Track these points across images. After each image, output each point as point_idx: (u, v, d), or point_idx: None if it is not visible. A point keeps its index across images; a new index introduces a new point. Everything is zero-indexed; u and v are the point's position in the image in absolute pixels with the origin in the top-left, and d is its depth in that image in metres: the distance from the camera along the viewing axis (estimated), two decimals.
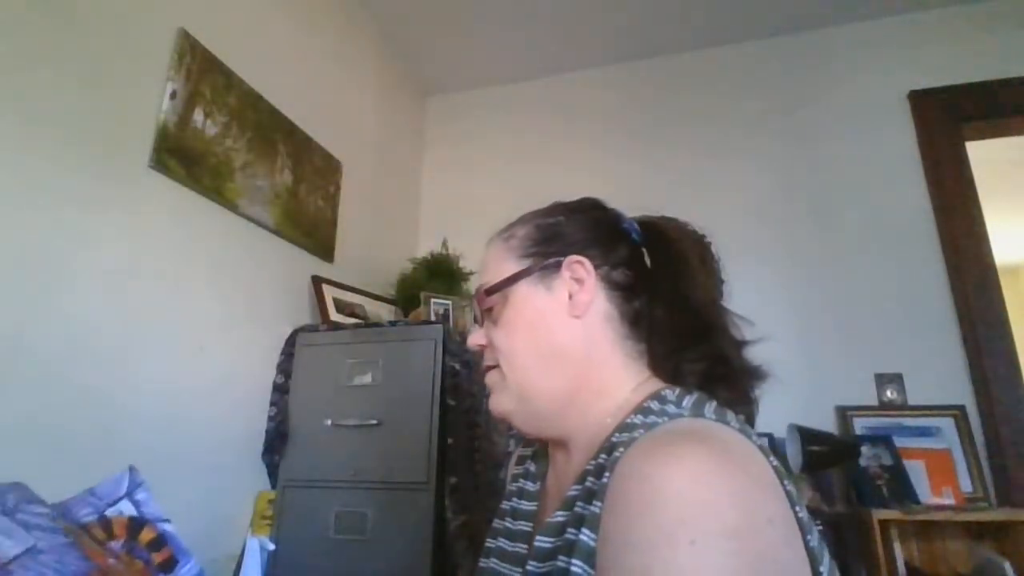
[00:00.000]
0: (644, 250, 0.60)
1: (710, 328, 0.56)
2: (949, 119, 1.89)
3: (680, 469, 0.38)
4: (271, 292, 1.49)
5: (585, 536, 0.44)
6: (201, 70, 1.30)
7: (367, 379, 1.37)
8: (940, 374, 1.70)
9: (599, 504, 0.43)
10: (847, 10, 2.03)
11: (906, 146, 1.90)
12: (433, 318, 1.65)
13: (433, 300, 1.74)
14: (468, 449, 1.35)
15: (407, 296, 1.85)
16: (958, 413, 1.65)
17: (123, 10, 1.14)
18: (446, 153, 2.50)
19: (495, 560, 0.60)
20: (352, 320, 1.62)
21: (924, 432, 1.64)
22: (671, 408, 0.48)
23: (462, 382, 1.36)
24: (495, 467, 1.38)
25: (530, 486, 0.64)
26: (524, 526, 0.59)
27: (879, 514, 1.42)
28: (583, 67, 2.36)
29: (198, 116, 1.28)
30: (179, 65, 1.24)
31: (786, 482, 0.43)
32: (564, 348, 0.57)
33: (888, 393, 1.72)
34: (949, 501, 1.53)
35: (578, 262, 0.57)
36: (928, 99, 1.91)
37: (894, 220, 1.86)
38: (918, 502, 1.49)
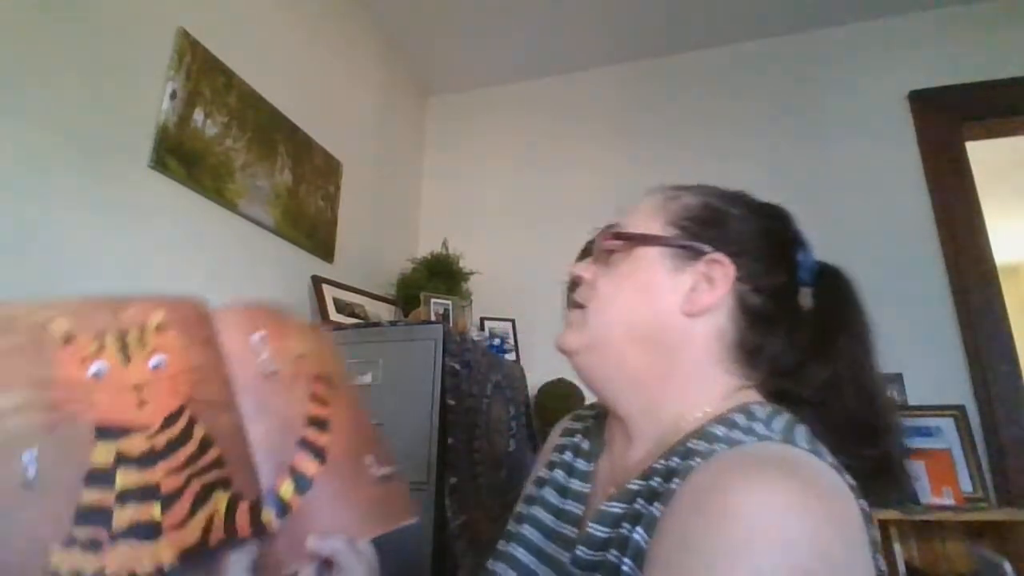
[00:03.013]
0: (811, 291, 0.53)
1: (884, 428, 0.49)
2: (949, 119, 1.89)
3: (764, 496, 0.36)
4: (271, 292, 1.50)
5: (638, 536, 0.42)
6: (201, 70, 1.30)
7: (367, 379, 1.37)
8: (940, 374, 1.70)
9: (659, 507, 0.42)
10: (847, 10, 2.03)
11: (906, 146, 1.90)
12: (433, 318, 1.65)
13: (433, 300, 1.74)
14: (468, 449, 1.35)
15: (407, 296, 1.86)
16: (958, 413, 1.65)
17: (123, 10, 1.14)
18: (446, 153, 2.50)
19: (531, 529, 0.58)
20: (352, 320, 1.62)
21: (924, 432, 1.64)
22: (759, 427, 0.45)
23: (462, 382, 1.36)
24: (495, 467, 1.38)
25: (582, 464, 0.61)
26: (574, 507, 0.57)
27: (879, 514, 1.42)
28: (583, 67, 2.36)
29: (198, 116, 1.28)
30: (179, 65, 1.24)
31: (871, 527, 0.40)
32: (659, 332, 0.52)
33: (888, 393, 1.72)
34: (949, 501, 1.53)
35: (719, 263, 0.52)
36: (928, 99, 1.91)
37: (894, 220, 1.86)
38: (918, 502, 1.49)
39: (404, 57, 2.32)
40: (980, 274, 1.74)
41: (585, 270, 0.60)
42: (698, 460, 0.42)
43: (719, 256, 0.52)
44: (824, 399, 0.50)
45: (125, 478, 0.41)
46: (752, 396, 0.51)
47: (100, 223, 1.06)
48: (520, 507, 0.63)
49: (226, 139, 1.37)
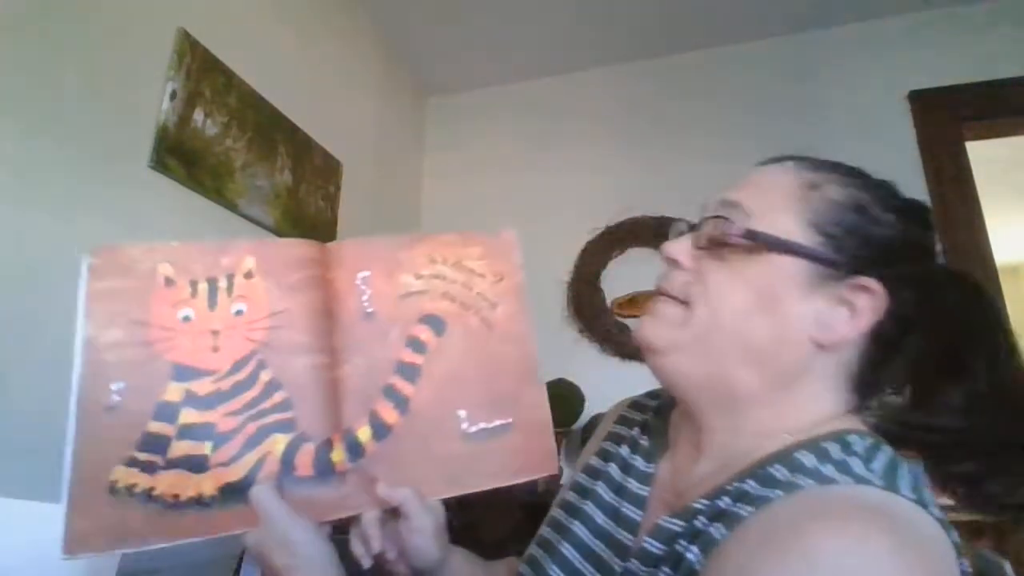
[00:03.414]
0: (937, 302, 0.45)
1: None
2: (949, 119, 1.89)
3: (850, 544, 0.32)
4: None
5: (692, 556, 0.39)
6: (201, 70, 1.30)
7: None
8: None
9: (721, 528, 0.38)
10: (847, 10, 2.03)
11: (906, 146, 1.90)
12: None
13: None
14: None
15: None
16: None
17: (123, 10, 1.14)
18: (446, 153, 2.50)
19: (581, 526, 0.53)
20: None
21: None
22: (856, 465, 0.38)
23: None
24: None
25: (640, 463, 0.55)
26: (632, 512, 0.51)
27: None
28: (583, 67, 2.36)
29: (198, 116, 1.28)
30: (179, 65, 1.24)
31: None
32: (774, 356, 0.44)
33: None
34: (949, 500, 1.53)
35: (868, 290, 0.43)
36: (928, 99, 1.91)
37: None
38: None
39: (404, 57, 2.32)
40: (980, 274, 1.74)
41: (684, 254, 0.49)
42: (778, 492, 0.37)
43: (871, 283, 0.43)
44: (965, 425, 0.44)
45: (187, 416, 0.46)
46: (852, 424, 0.44)
47: (100, 223, 1.06)
48: (570, 496, 0.58)
49: (226, 139, 1.37)
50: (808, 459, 0.40)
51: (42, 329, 0.95)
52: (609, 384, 1.69)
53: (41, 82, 0.98)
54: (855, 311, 0.43)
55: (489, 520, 1.31)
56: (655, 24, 2.12)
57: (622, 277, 2.00)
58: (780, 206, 0.46)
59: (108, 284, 0.48)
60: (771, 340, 0.44)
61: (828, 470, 0.38)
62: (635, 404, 0.65)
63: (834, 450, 0.40)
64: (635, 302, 1.96)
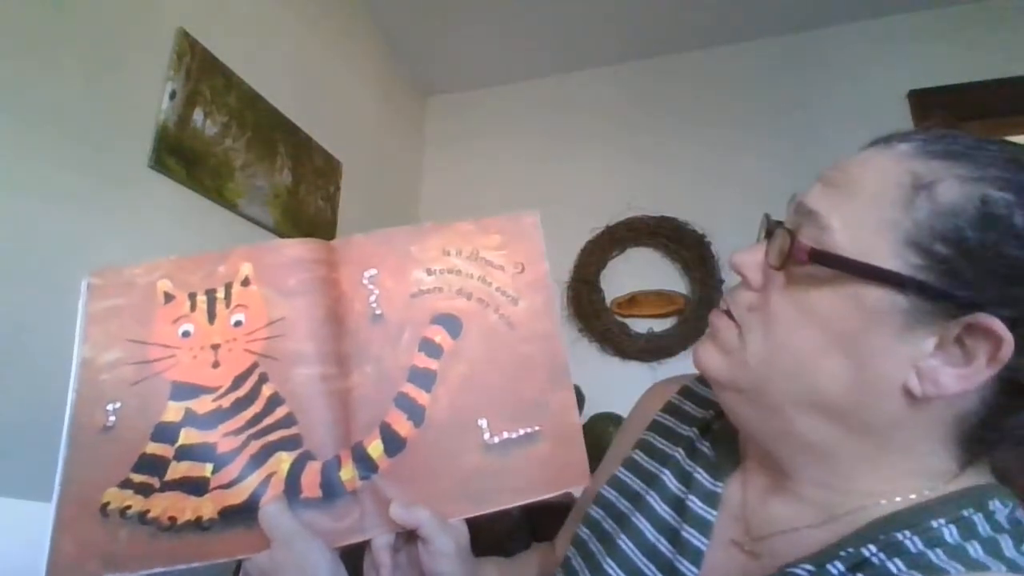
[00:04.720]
0: None
1: None
2: (949, 119, 1.88)
3: None
4: None
5: None
6: (201, 70, 1.30)
7: None
8: None
9: None
10: (847, 10, 2.03)
11: None
12: None
13: None
14: None
15: None
16: None
17: (123, 10, 1.14)
18: (447, 153, 2.50)
19: (628, 542, 0.46)
20: None
21: None
22: (1007, 546, 0.32)
23: None
24: None
25: (704, 479, 0.46)
26: (696, 539, 0.43)
27: None
28: (584, 67, 2.36)
29: (198, 116, 1.28)
30: (179, 65, 1.24)
31: None
32: (855, 409, 0.36)
33: None
34: None
35: (989, 332, 0.32)
36: (927, 98, 1.91)
37: None
38: None
39: (404, 57, 2.32)
40: None
41: (754, 268, 0.41)
42: None
43: (993, 323, 0.31)
44: None
45: (187, 436, 0.44)
46: (984, 477, 0.37)
47: (100, 223, 1.06)
48: (610, 494, 0.51)
49: (226, 139, 1.37)
50: (948, 533, 0.33)
51: (42, 328, 0.95)
52: (609, 384, 1.69)
53: (40, 82, 0.98)
54: (970, 358, 0.33)
55: (486, 518, 1.31)
56: (655, 23, 2.12)
57: (622, 277, 2.00)
58: (871, 214, 0.35)
59: (108, 304, 0.47)
60: (848, 390, 0.35)
61: (976, 552, 0.31)
62: (689, 392, 0.55)
63: (979, 523, 0.33)
64: (635, 302, 1.96)
